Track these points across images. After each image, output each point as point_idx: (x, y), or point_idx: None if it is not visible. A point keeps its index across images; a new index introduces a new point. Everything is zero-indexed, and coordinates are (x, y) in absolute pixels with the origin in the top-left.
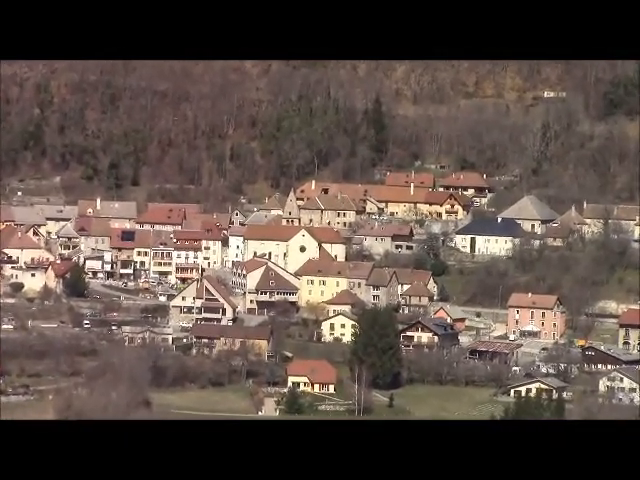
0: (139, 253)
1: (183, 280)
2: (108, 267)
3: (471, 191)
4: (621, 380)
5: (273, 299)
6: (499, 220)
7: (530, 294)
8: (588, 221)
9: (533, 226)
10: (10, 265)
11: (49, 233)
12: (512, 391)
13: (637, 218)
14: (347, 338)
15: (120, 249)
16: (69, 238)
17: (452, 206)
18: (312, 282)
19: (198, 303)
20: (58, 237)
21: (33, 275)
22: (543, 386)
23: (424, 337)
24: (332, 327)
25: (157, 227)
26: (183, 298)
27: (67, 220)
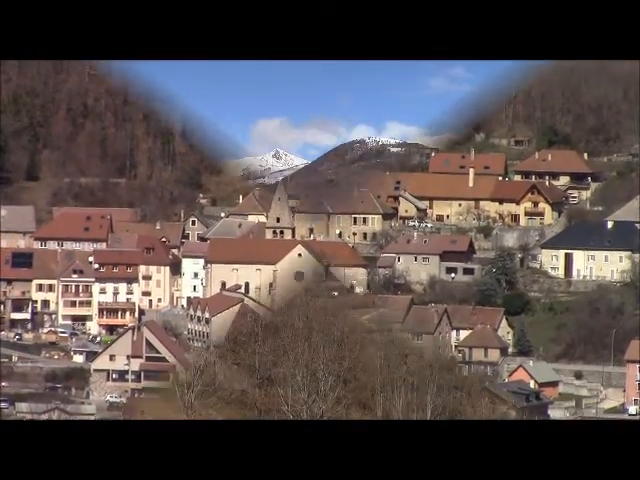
0: (40, 287)
1: (111, 329)
2: None
3: (565, 180)
4: None
5: None
6: (609, 225)
7: None
8: None
9: None
10: None
11: None
12: None
13: None
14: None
15: (10, 281)
16: None
17: (535, 204)
18: None
19: (135, 365)
20: None
21: None
22: None
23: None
24: None
25: (68, 245)
26: (111, 357)
27: None
